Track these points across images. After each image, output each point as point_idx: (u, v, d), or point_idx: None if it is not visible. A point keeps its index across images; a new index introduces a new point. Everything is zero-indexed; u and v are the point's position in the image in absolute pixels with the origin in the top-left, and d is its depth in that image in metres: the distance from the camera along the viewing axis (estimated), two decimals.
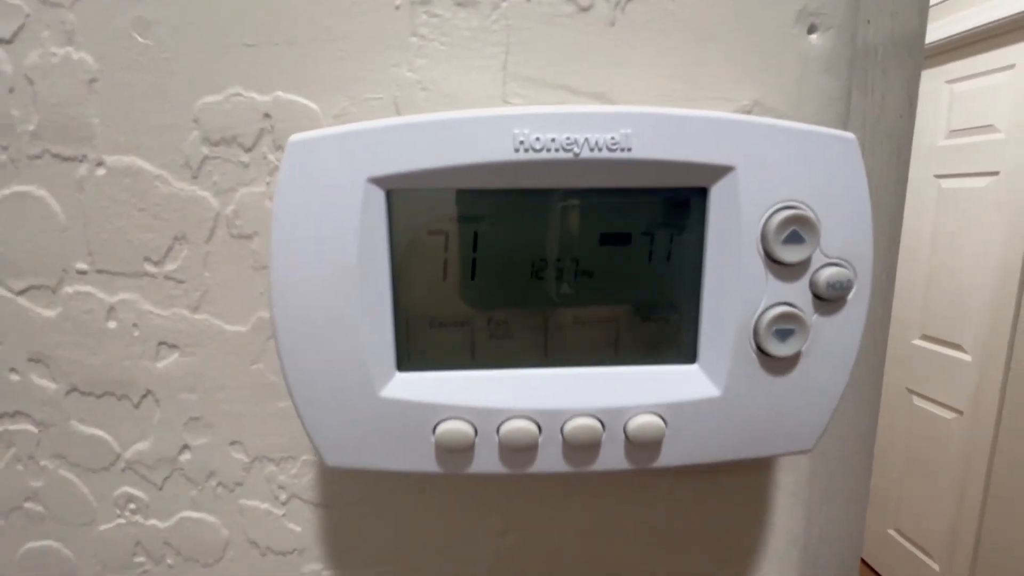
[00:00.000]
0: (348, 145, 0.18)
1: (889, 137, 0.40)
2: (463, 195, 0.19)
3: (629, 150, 0.18)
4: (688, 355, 0.21)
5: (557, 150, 0.18)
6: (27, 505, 0.27)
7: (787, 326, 0.20)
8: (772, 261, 0.19)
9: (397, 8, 0.23)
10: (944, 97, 1.70)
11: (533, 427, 0.20)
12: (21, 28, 0.23)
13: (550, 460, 0.20)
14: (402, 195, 0.19)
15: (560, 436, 0.20)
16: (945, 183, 1.71)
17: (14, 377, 0.26)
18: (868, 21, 0.29)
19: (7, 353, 0.25)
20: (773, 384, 0.20)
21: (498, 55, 0.23)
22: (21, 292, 0.25)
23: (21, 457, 0.27)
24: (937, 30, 1.67)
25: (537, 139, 0.18)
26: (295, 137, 0.18)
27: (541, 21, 0.23)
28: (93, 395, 0.26)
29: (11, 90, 0.23)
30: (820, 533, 0.35)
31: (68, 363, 0.25)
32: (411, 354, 0.20)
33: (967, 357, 1.65)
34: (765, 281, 0.19)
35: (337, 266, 0.19)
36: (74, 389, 0.26)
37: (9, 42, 0.23)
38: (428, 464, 0.20)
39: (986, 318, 1.57)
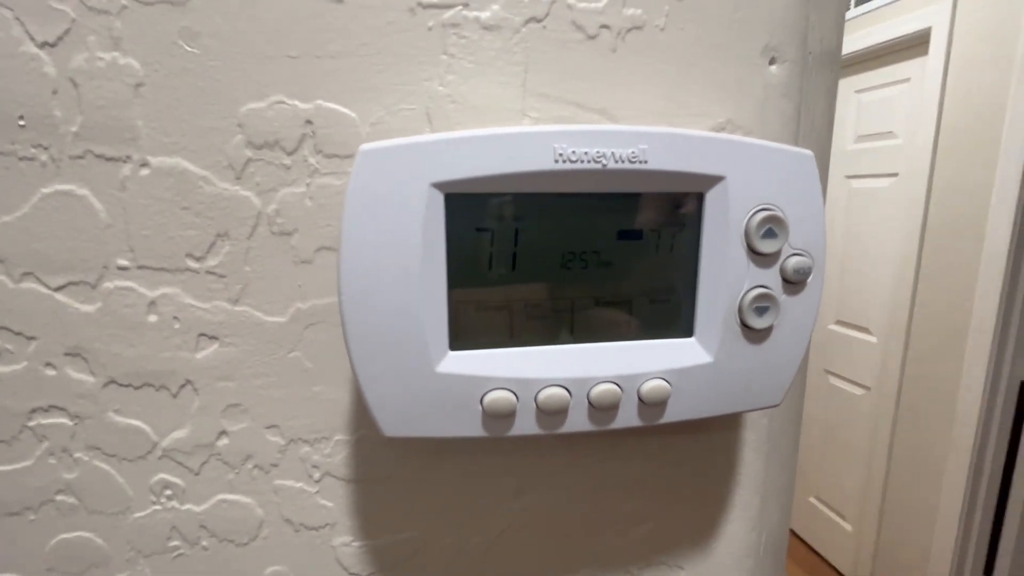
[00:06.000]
0: (414, 154, 0.21)
1: (815, 144, 0.47)
2: (508, 198, 0.23)
3: (645, 162, 0.22)
4: (687, 330, 0.25)
5: (589, 161, 0.22)
6: (59, 498, 0.28)
7: (764, 304, 0.24)
8: (753, 252, 0.24)
9: (430, 29, 0.25)
10: (853, 105, 1.86)
11: (565, 393, 0.24)
12: (66, 32, 0.23)
13: (578, 421, 0.24)
14: (458, 198, 0.22)
15: (587, 400, 0.24)
16: (855, 183, 1.88)
17: (49, 372, 0.26)
18: (810, 53, 0.35)
19: (43, 348, 0.26)
20: (753, 351, 0.25)
21: (519, 73, 0.27)
22: (59, 288, 0.25)
23: (54, 450, 0.27)
24: (848, 44, 1.83)
25: (573, 152, 0.22)
26: (366, 146, 0.21)
27: (555, 45, 0.27)
28: (131, 387, 0.27)
29: (55, 92, 0.24)
30: (769, 487, 0.41)
31: (107, 356, 0.26)
32: (461, 335, 0.23)
33: (873, 339, 1.82)
34: (747, 268, 0.24)
35: (401, 258, 0.21)
36: (112, 381, 0.27)
37: (53, 45, 0.23)
38: (475, 430, 0.23)
39: (888, 303, 1.75)
